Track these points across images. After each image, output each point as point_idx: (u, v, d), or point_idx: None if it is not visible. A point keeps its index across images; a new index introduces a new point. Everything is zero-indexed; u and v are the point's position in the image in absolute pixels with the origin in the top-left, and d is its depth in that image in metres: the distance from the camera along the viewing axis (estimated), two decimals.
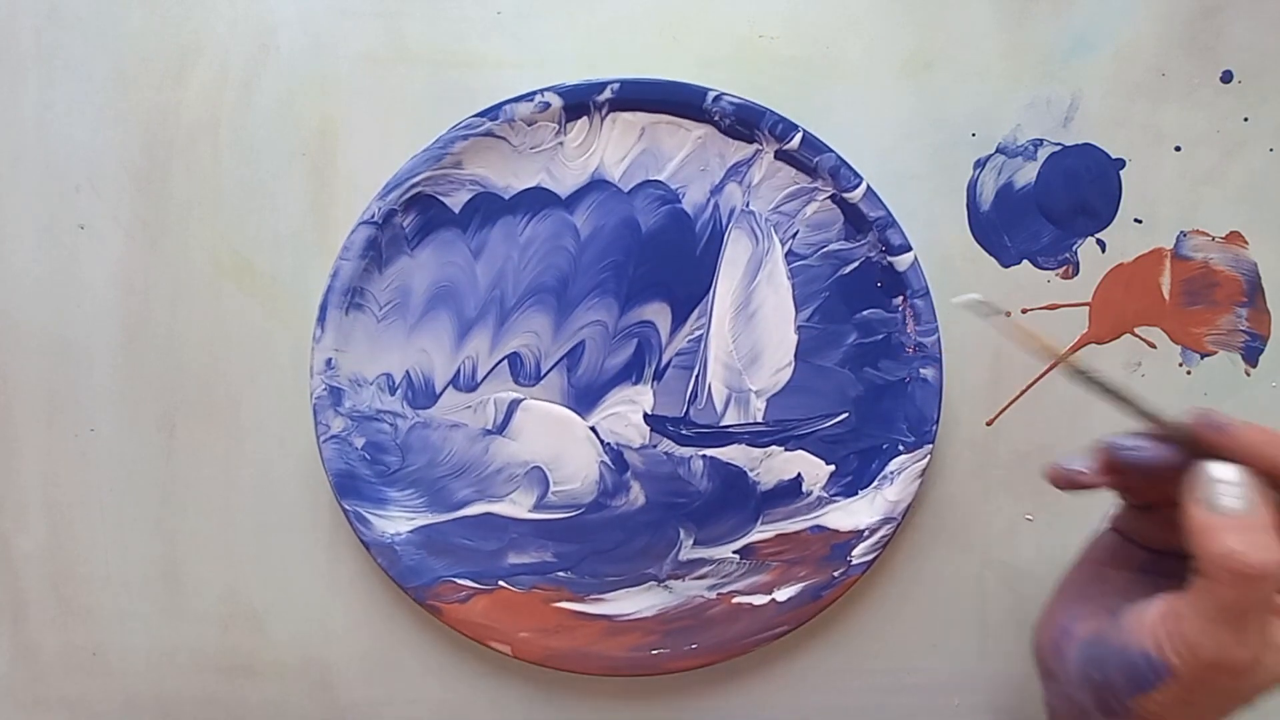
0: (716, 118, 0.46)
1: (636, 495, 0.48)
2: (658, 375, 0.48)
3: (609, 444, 0.48)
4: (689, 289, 0.48)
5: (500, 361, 0.48)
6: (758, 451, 0.48)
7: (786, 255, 0.48)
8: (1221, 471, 0.33)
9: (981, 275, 0.49)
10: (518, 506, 0.48)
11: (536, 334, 0.48)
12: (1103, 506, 0.50)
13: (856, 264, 0.48)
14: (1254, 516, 0.31)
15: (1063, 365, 0.38)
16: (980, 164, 0.48)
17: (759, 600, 0.48)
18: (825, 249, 0.48)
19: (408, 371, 0.48)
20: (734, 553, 0.48)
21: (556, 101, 0.46)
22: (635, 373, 0.48)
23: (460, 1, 0.48)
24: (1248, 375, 0.49)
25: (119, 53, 0.48)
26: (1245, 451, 0.33)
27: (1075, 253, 0.49)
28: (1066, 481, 0.37)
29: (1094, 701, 0.35)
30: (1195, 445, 0.34)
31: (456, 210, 0.47)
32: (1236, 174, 0.49)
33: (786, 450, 0.48)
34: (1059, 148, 0.48)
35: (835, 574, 0.47)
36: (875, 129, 0.48)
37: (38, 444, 0.49)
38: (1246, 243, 0.49)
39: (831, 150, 0.46)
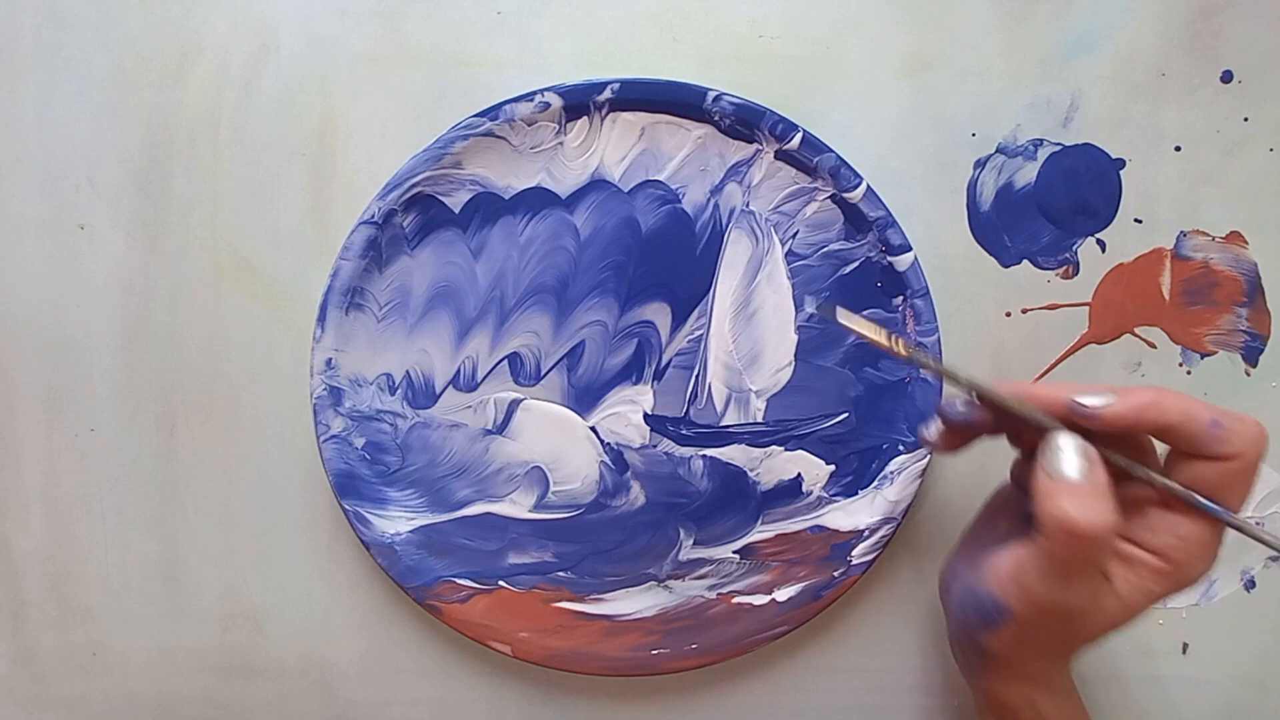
0: (716, 118, 0.46)
1: (636, 495, 0.48)
2: (658, 375, 0.48)
3: (609, 444, 0.48)
4: (689, 289, 0.48)
5: (500, 361, 0.48)
6: (758, 451, 0.48)
7: (786, 255, 0.48)
8: (1063, 440, 0.36)
9: (981, 275, 0.49)
10: (518, 506, 0.48)
11: (536, 334, 0.48)
12: None
13: (856, 264, 0.48)
14: (1089, 483, 0.34)
15: (899, 351, 0.40)
16: (980, 164, 0.48)
17: (759, 600, 0.48)
18: (825, 249, 0.48)
19: (408, 371, 0.48)
20: (734, 553, 0.48)
21: (556, 101, 0.46)
22: (635, 373, 0.48)
23: (460, 1, 0.48)
24: (1248, 375, 0.49)
25: (119, 52, 0.48)
26: (1006, 403, 0.37)
27: (1075, 253, 0.49)
28: (949, 425, 0.40)
29: (962, 637, 0.40)
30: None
31: (456, 210, 0.47)
32: (1236, 174, 0.48)
33: (786, 450, 0.48)
34: (1059, 148, 0.48)
35: (835, 574, 0.47)
36: (875, 129, 0.48)
37: (38, 444, 0.49)
38: (1246, 243, 0.49)
39: (831, 150, 0.46)
